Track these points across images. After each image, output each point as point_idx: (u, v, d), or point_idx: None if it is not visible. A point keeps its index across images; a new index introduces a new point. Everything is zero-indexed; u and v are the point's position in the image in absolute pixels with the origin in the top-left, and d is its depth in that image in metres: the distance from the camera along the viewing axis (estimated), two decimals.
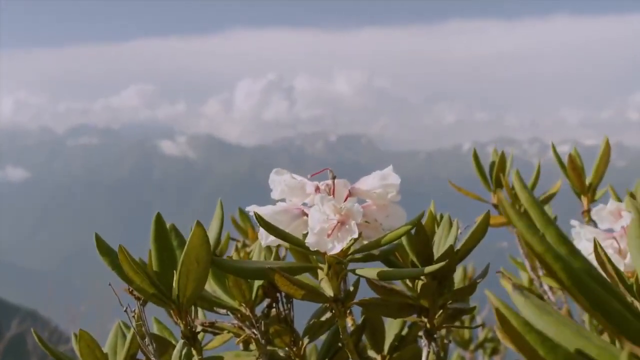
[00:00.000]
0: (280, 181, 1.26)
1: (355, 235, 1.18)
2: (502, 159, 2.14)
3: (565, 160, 2.01)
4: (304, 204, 1.27)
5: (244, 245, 2.26)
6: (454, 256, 1.30)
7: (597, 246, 1.21)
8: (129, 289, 1.31)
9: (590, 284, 0.76)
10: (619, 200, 1.78)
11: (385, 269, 1.30)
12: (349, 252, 1.24)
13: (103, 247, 1.28)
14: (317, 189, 1.25)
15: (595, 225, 1.92)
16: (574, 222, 1.62)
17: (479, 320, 3.48)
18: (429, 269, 1.22)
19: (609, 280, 1.12)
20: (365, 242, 1.26)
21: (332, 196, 1.24)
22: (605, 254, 1.19)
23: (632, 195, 2.00)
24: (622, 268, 1.44)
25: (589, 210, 2.02)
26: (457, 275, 1.81)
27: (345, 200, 1.24)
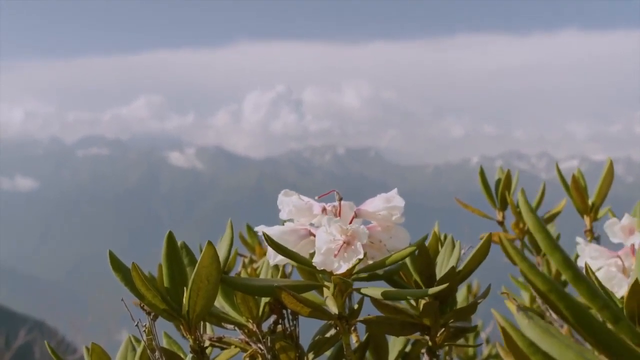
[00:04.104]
0: (288, 202, 1.31)
1: (361, 256, 1.23)
2: (508, 176, 2.17)
3: (570, 179, 2.05)
4: (311, 225, 1.32)
5: (251, 261, 2.30)
6: (455, 277, 1.34)
7: (587, 270, 1.24)
8: (140, 303, 1.35)
9: (594, 322, 0.80)
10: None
11: (389, 288, 1.34)
12: (354, 272, 1.28)
13: (116, 264, 1.32)
14: (324, 210, 1.30)
15: (597, 243, 1.95)
16: (579, 239, 1.64)
17: (483, 336, 3.49)
18: (431, 290, 1.26)
19: (612, 302, 1.15)
20: (370, 262, 1.30)
21: (338, 217, 1.28)
22: (596, 278, 1.22)
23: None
24: (625, 287, 1.46)
25: (591, 230, 2.06)
26: (461, 294, 1.84)
27: (351, 221, 1.29)
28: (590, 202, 2.05)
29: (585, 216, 2.07)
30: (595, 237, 2.05)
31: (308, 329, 1.51)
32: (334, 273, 1.25)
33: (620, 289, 1.44)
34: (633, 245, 1.56)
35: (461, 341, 2.31)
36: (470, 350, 3.23)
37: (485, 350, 3.35)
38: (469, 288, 3.39)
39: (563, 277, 2.24)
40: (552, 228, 2.34)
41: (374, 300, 1.36)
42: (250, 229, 2.42)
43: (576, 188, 2.03)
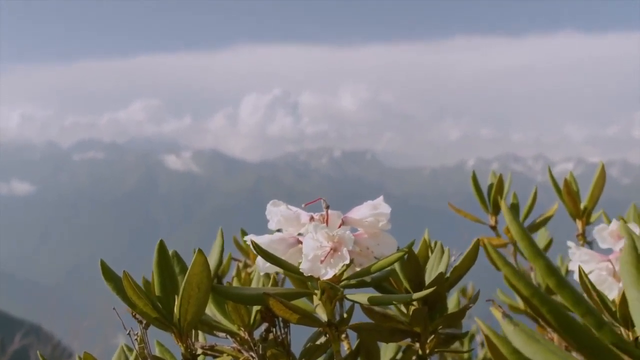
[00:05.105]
0: (276, 212, 1.32)
1: (347, 261, 1.24)
2: (500, 181, 2.18)
3: (563, 183, 2.06)
4: (300, 234, 1.33)
5: (246, 266, 2.30)
6: (443, 283, 1.35)
7: (581, 274, 1.25)
8: (132, 312, 1.36)
9: (576, 326, 0.81)
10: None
11: (377, 294, 1.36)
12: (342, 278, 1.29)
13: (108, 273, 1.33)
14: (312, 219, 1.31)
15: (590, 247, 1.95)
16: (570, 244, 1.65)
17: (478, 339, 3.51)
18: (416, 295, 1.27)
19: (595, 308, 1.16)
20: (358, 269, 1.31)
21: (325, 225, 1.29)
22: (590, 281, 1.23)
23: (623, 220, 2.04)
24: (616, 291, 1.47)
25: (583, 234, 2.07)
26: (453, 300, 1.86)
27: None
28: (582, 206, 2.06)
29: (577, 220, 2.09)
30: (588, 241, 2.06)
31: (300, 337, 1.52)
32: (321, 279, 1.26)
33: (610, 293, 1.45)
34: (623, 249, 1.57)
35: (456, 345, 2.32)
36: (465, 355, 3.24)
37: (481, 354, 3.36)
38: (464, 291, 3.40)
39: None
40: (545, 232, 2.35)
41: (363, 307, 1.37)
42: (244, 233, 2.41)
43: (568, 192, 2.05)
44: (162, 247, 1.32)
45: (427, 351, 1.43)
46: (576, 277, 1.55)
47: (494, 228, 2.25)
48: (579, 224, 2.10)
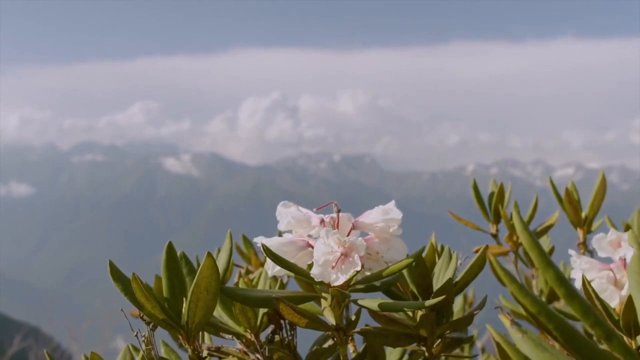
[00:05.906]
0: (287, 213, 1.33)
1: (359, 268, 1.24)
2: (501, 190, 2.18)
3: (565, 188, 2.06)
4: (309, 236, 1.33)
5: (248, 272, 2.30)
6: (452, 289, 1.35)
7: (584, 282, 1.25)
8: (139, 313, 1.36)
9: (582, 342, 0.82)
10: (616, 229, 1.83)
11: (386, 299, 1.36)
12: (352, 283, 1.30)
13: (116, 274, 1.33)
14: (322, 222, 1.31)
15: (591, 256, 1.96)
16: (571, 252, 1.65)
17: (479, 345, 3.51)
18: (428, 303, 1.27)
19: (605, 319, 1.17)
20: (368, 273, 1.32)
21: (336, 229, 1.30)
22: (593, 290, 1.24)
23: (628, 227, 2.04)
24: (617, 300, 1.47)
25: (584, 242, 2.07)
26: (458, 304, 1.86)
27: (349, 233, 1.31)
28: (583, 215, 2.06)
29: (578, 229, 2.09)
30: (589, 249, 2.06)
31: (306, 339, 1.52)
32: (332, 285, 1.26)
33: (612, 301, 1.45)
34: (624, 258, 1.57)
35: (457, 352, 2.32)
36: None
37: (482, 359, 3.36)
38: (465, 297, 3.41)
39: None
40: (546, 239, 2.35)
41: (371, 312, 1.37)
42: (246, 239, 2.41)
43: (569, 201, 2.05)
44: (170, 249, 1.33)
45: (434, 355, 1.44)
46: (578, 285, 1.56)
47: (495, 236, 2.25)
48: (580, 232, 2.10)
